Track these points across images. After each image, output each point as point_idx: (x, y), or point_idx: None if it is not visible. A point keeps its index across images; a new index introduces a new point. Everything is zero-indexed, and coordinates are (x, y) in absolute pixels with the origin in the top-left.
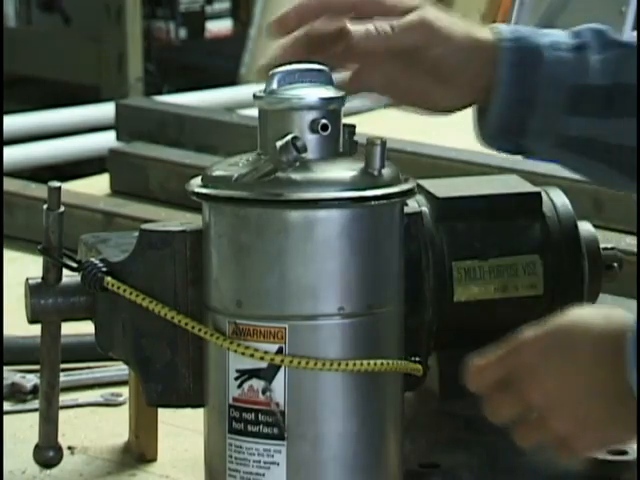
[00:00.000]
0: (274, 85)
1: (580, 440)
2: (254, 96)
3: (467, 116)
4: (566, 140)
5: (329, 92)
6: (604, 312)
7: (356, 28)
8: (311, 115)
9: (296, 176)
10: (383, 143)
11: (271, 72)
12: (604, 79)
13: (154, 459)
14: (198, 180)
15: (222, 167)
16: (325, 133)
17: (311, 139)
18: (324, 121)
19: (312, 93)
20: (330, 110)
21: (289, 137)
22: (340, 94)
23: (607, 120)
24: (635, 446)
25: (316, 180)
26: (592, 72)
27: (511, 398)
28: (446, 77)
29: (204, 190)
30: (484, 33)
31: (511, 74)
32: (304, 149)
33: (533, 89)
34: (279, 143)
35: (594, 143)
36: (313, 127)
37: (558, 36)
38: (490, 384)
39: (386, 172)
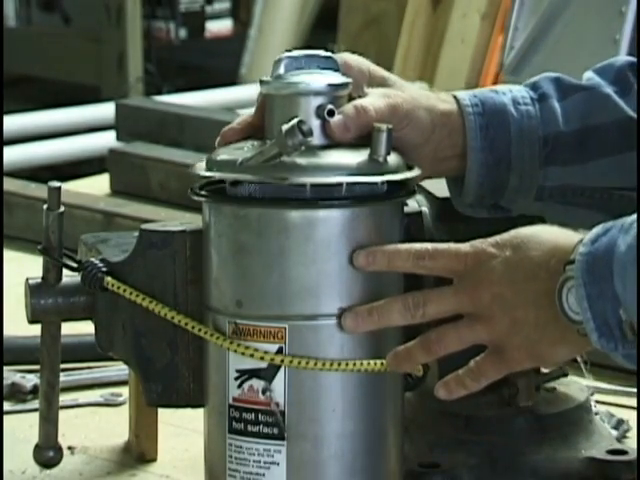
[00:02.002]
0: (281, 70)
1: (509, 345)
2: (260, 82)
3: None
4: (545, 192)
5: (336, 78)
6: (568, 232)
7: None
8: (317, 101)
9: (301, 161)
10: (389, 130)
11: (278, 57)
12: (572, 125)
13: (154, 459)
14: (203, 164)
15: (227, 151)
16: (331, 119)
17: (317, 125)
18: (330, 107)
19: (319, 79)
20: (337, 96)
21: (295, 121)
22: (347, 80)
23: (582, 165)
24: (635, 446)
25: (321, 165)
26: (559, 120)
27: (458, 292)
28: (408, 152)
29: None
30: (446, 103)
31: (482, 138)
32: (310, 133)
33: (506, 149)
34: (285, 127)
35: (572, 190)
36: (319, 113)
37: (518, 91)
38: (440, 268)
39: (392, 159)
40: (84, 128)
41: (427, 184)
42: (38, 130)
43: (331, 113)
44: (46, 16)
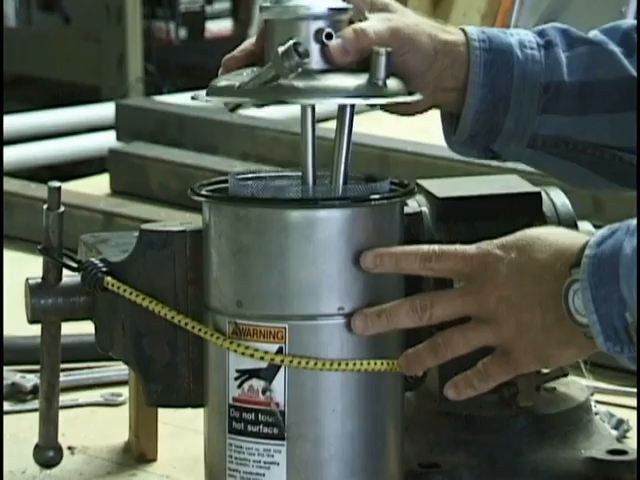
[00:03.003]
0: None
1: (516, 348)
2: (260, 8)
3: None
4: (538, 140)
5: (336, 3)
6: (574, 233)
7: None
8: (317, 25)
9: (299, 83)
10: (388, 53)
11: None
12: (575, 76)
13: (154, 459)
14: (203, 92)
15: (227, 78)
16: (330, 42)
17: (316, 49)
18: (329, 30)
19: (319, 3)
20: (337, 21)
21: (291, 42)
22: (347, 5)
23: (579, 118)
24: (635, 446)
25: (319, 88)
26: (563, 69)
27: (464, 295)
28: (410, 79)
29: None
30: (451, 34)
31: (484, 75)
32: (306, 54)
33: (507, 89)
34: (281, 49)
35: (565, 142)
36: (318, 36)
37: (525, 35)
38: (446, 270)
39: (391, 83)
40: (84, 128)
41: (427, 184)
42: (38, 130)
43: (329, 36)
44: (46, 16)
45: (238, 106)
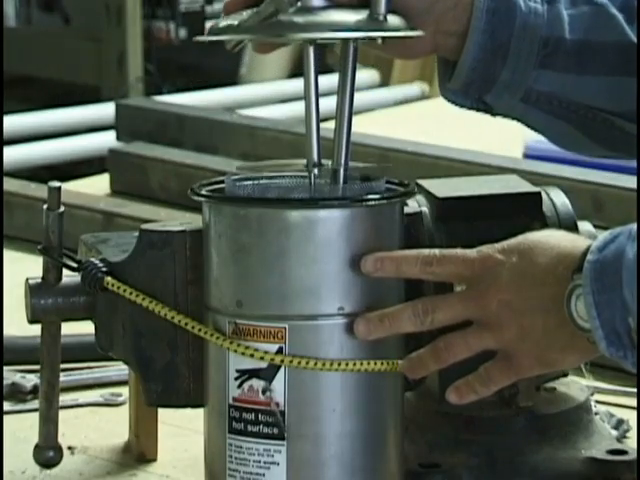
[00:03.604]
0: None
1: (518, 352)
2: None
3: (467, 116)
4: (532, 95)
5: None
6: (575, 237)
7: None
8: None
9: (298, 19)
10: None
11: None
12: (575, 34)
13: (154, 459)
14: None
15: (228, 18)
16: None
17: None
18: None
19: None
20: None
21: None
22: None
23: (576, 77)
24: (635, 446)
25: (319, 22)
26: (564, 26)
27: (466, 299)
28: (410, 17)
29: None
30: None
31: (486, 21)
32: None
33: (507, 39)
34: None
35: (559, 100)
36: None
37: None
38: (446, 274)
39: (392, 19)
40: (84, 128)
41: (427, 184)
42: (38, 130)
43: None
44: (46, 16)
45: (239, 44)
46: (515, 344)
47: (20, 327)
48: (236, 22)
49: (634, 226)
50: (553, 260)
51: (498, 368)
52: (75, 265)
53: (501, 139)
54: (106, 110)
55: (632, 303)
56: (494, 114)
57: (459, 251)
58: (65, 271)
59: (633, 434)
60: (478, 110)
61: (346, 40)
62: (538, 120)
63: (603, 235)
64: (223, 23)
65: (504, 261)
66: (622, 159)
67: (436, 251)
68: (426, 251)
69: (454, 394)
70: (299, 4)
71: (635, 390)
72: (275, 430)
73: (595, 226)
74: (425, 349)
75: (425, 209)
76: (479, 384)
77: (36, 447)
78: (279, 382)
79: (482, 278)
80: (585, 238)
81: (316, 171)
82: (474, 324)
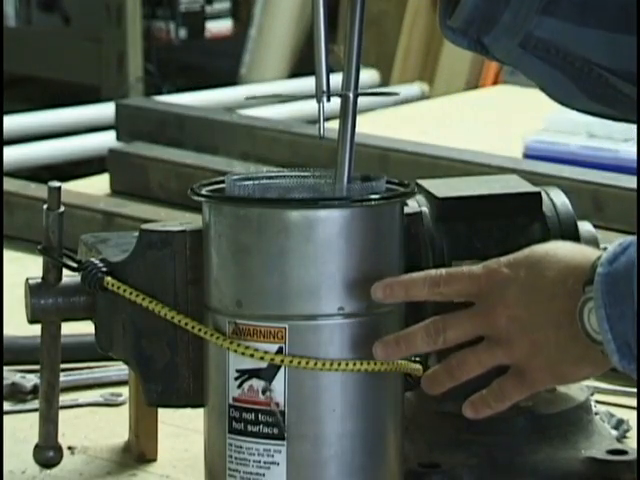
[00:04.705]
0: None
1: (531, 367)
2: None
3: (467, 116)
4: (531, 41)
5: None
6: (583, 248)
7: None
8: None
9: None
10: None
11: None
12: None
13: (154, 459)
14: None
15: None
16: None
17: None
18: None
19: None
20: None
21: None
22: None
23: (577, 28)
24: (635, 446)
25: None
26: None
27: (475, 316)
28: None
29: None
30: None
31: None
32: None
33: None
34: None
35: (556, 49)
36: None
37: None
38: (455, 293)
39: None
40: (84, 128)
41: (427, 184)
42: (38, 130)
43: None
44: (46, 16)
45: None
46: (527, 359)
47: (20, 327)
48: None
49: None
50: (562, 272)
51: (511, 383)
52: (75, 265)
53: (501, 139)
54: (106, 110)
55: None
56: (490, 57)
57: (465, 268)
58: (65, 271)
59: (633, 434)
60: (475, 51)
61: None
62: (533, 67)
63: (613, 247)
64: None
65: (511, 276)
66: (610, 116)
67: (443, 271)
68: (433, 272)
69: (469, 409)
70: None
71: (635, 390)
72: (275, 430)
73: (595, 226)
74: (439, 366)
75: (425, 209)
76: (493, 399)
77: (36, 447)
78: (279, 382)
79: (490, 294)
80: (593, 249)
81: (325, 99)
82: (485, 340)
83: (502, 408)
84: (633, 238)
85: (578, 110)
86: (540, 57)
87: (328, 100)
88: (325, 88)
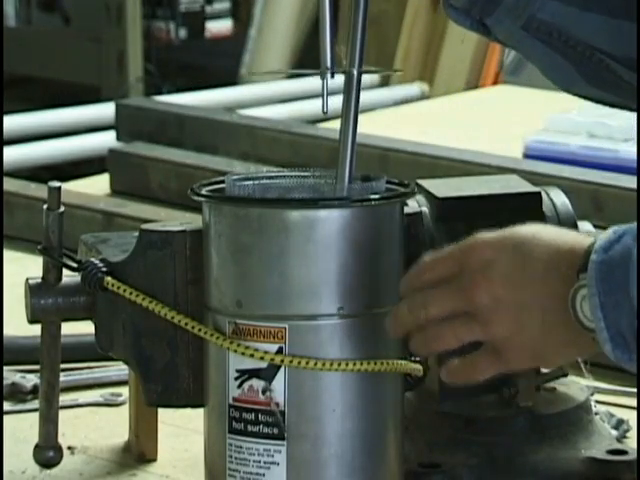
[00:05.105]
0: None
1: (511, 346)
2: None
3: (467, 116)
4: (533, 23)
5: None
6: (570, 233)
7: None
8: None
9: None
10: None
11: None
12: None
13: (154, 459)
14: None
15: None
16: None
17: None
18: None
19: None
20: None
21: None
22: None
23: (579, 12)
24: (635, 446)
25: None
26: None
27: (456, 292)
28: None
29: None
30: None
31: None
32: None
33: None
34: None
35: (559, 32)
36: None
37: None
38: (438, 278)
39: None
40: (84, 128)
41: (427, 184)
42: (38, 130)
43: None
44: (46, 16)
45: None
46: (505, 338)
47: (20, 327)
48: None
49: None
50: (554, 257)
51: (485, 359)
52: (75, 265)
53: (501, 139)
54: (106, 110)
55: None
56: (492, 38)
57: (445, 248)
58: (65, 271)
59: (633, 434)
60: (477, 31)
61: None
62: (534, 50)
63: (607, 234)
64: None
65: (496, 255)
66: (609, 102)
67: (423, 260)
68: (413, 269)
69: (445, 373)
70: None
71: (635, 390)
72: (275, 430)
73: (595, 226)
74: (416, 337)
75: (425, 209)
76: (466, 371)
77: (36, 447)
78: (279, 382)
79: (471, 270)
80: (584, 235)
81: (329, 76)
82: (465, 315)
83: (475, 381)
84: (628, 226)
85: (577, 95)
86: (542, 40)
87: (332, 76)
88: (329, 64)
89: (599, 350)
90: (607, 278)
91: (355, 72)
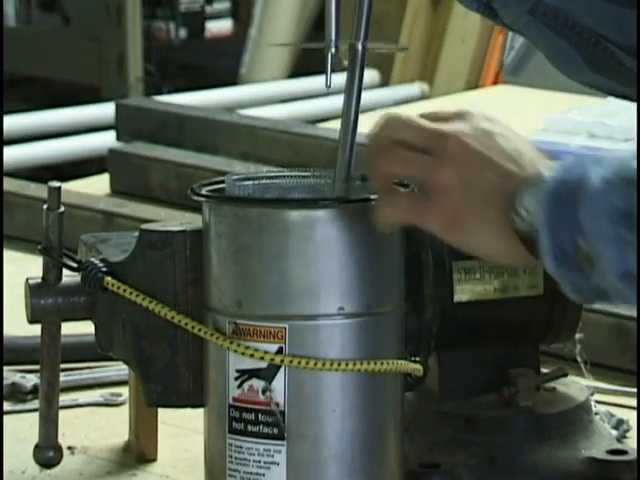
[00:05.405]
0: None
1: (441, 199)
2: None
3: None
4: (540, 8)
5: None
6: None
7: None
8: None
9: None
10: None
11: None
12: None
13: (154, 459)
14: None
15: None
16: None
17: None
18: None
19: None
20: None
21: None
22: None
23: None
24: (635, 446)
25: None
26: None
27: (432, 132)
28: None
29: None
30: None
31: None
32: None
33: None
34: None
35: (565, 18)
36: None
37: None
38: (403, 142)
39: None
40: (84, 128)
41: None
42: (38, 130)
43: None
44: (46, 16)
45: None
46: (444, 189)
47: (20, 327)
48: None
49: (604, 156)
50: (517, 160)
51: (408, 200)
52: (75, 265)
53: None
54: (106, 110)
55: (588, 226)
56: (499, 22)
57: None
58: (65, 271)
59: (633, 434)
60: (484, 15)
61: None
62: (540, 35)
63: (567, 159)
64: None
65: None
66: (611, 90)
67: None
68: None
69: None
70: None
71: (635, 390)
72: (275, 430)
73: None
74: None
75: None
76: (385, 207)
77: (36, 447)
78: (279, 382)
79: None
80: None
81: (334, 50)
82: (424, 150)
83: (390, 224)
84: (592, 158)
85: (580, 82)
86: (548, 25)
87: (336, 50)
88: (334, 38)
89: (517, 254)
90: (559, 196)
91: (360, 46)
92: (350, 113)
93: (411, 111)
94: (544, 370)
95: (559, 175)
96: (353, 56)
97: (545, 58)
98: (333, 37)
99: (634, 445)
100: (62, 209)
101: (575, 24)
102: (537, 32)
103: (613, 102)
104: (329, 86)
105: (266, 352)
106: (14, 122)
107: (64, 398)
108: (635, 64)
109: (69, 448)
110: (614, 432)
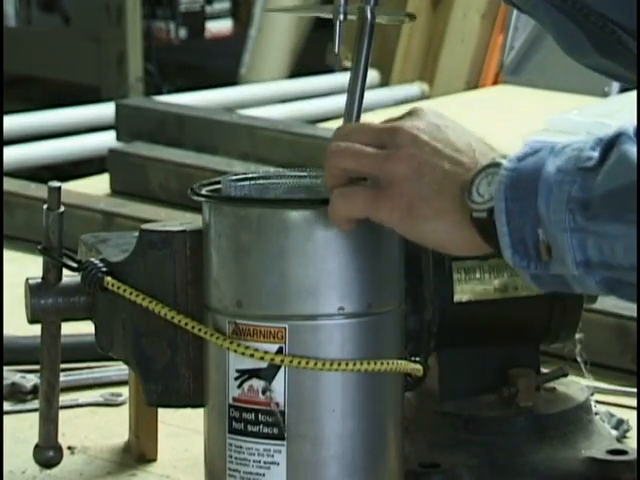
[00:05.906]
0: None
1: (395, 191)
2: None
3: (467, 116)
4: None
5: None
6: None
7: None
8: None
9: None
10: None
11: None
12: None
13: (154, 459)
14: None
15: None
16: None
17: None
18: None
19: None
20: None
21: None
22: None
23: None
24: (635, 446)
25: None
26: None
27: (384, 128)
28: None
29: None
30: None
31: None
32: None
33: None
34: None
35: (574, 0)
36: None
37: None
38: (358, 142)
39: None
40: (84, 128)
41: None
42: (38, 130)
43: None
44: (46, 16)
45: None
46: (397, 181)
47: (20, 327)
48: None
49: (557, 144)
50: (472, 146)
51: (362, 194)
52: (75, 265)
53: (501, 139)
54: (106, 110)
55: (545, 216)
56: (508, 2)
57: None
58: (65, 271)
59: (633, 434)
60: None
61: None
62: (549, 16)
63: (523, 147)
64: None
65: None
66: (616, 74)
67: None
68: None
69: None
70: None
71: (635, 390)
72: (275, 430)
73: None
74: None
75: None
76: (339, 201)
77: (36, 447)
78: (279, 382)
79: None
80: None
81: (342, 17)
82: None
83: (341, 213)
84: (545, 144)
85: (586, 65)
86: (556, 6)
87: (345, 19)
88: (342, 3)
89: (468, 249)
90: (516, 185)
91: (369, 13)
92: (357, 85)
93: None
94: (544, 370)
95: (514, 165)
96: (362, 24)
97: (553, 40)
98: (342, 2)
99: (634, 445)
100: (62, 209)
101: (583, 6)
102: (545, 13)
103: (613, 102)
104: (337, 54)
105: (266, 352)
106: (14, 122)
107: (64, 398)
108: (635, 46)
109: (69, 448)
110: (614, 432)
